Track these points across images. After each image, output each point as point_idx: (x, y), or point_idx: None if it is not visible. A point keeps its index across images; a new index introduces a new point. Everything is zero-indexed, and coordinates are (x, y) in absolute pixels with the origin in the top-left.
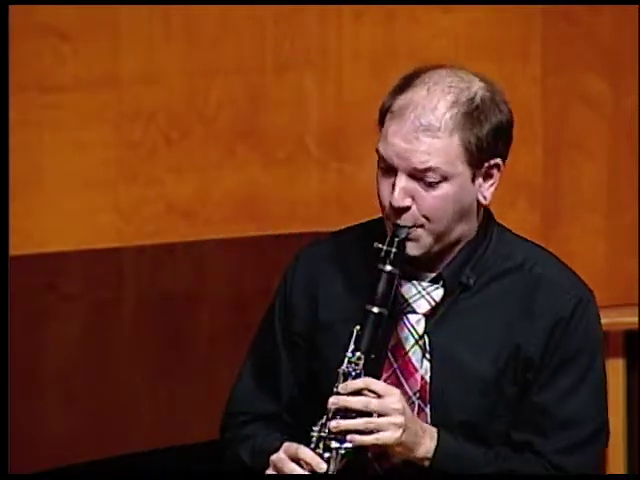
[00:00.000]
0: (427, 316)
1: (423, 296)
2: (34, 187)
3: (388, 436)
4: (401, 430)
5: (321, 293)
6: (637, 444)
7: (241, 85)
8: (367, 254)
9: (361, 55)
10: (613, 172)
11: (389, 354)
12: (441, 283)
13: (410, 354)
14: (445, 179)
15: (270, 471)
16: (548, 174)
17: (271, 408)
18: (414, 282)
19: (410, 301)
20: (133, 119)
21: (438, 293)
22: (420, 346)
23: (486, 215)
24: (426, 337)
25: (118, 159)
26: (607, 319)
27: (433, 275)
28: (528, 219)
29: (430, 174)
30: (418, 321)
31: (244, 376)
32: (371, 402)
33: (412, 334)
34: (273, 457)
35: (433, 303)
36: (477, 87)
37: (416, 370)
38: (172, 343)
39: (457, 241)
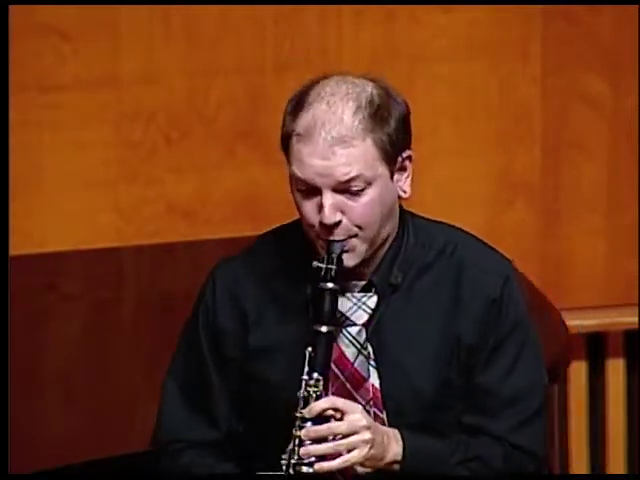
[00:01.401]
0: (366, 325)
1: (360, 307)
2: (34, 187)
3: (356, 455)
4: (369, 446)
5: (249, 315)
6: (637, 444)
7: (241, 85)
8: (289, 272)
9: (361, 55)
10: (613, 172)
11: (334, 367)
12: (373, 290)
13: (356, 365)
14: (369, 184)
15: None
16: (548, 174)
17: (208, 435)
18: (347, 295)
19: (347, 315)
20: (133, 119)
21: (373, 300)
22: (364, 355)
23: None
24: (369, 345)
25: (118, 159)
26: (607, 319)
27: (363, 283)
28: (527, 219)
29: (354, 183)
30: (359, 332)
31: (172, 402)
32: (339, 426)
33: (354, 345)
34: None
35: (370, 312)
36: (370, 87)
37: (365, 379)
38: (172, 343)
39: (383, 242)
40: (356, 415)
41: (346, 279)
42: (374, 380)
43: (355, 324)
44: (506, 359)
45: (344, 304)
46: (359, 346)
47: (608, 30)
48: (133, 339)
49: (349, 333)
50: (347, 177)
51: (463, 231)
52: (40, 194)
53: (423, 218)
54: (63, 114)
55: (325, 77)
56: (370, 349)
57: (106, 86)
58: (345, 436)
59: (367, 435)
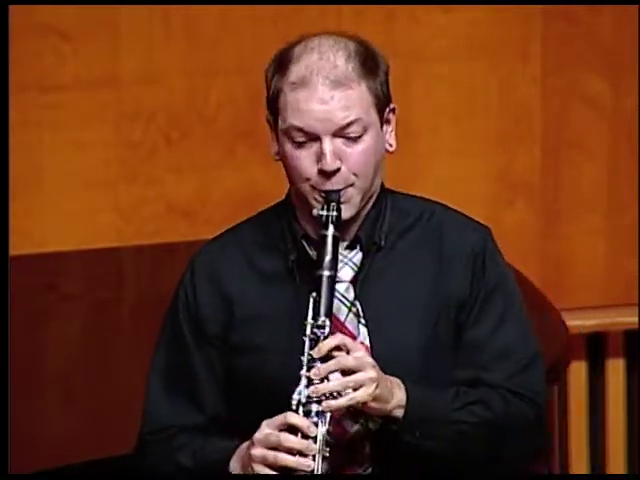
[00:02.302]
0: (353, 282)
1: (346, 263)
2: (34, 187)
3: (363, 393)
4: (375, 384)
5: (231, 292)
6: (637, 444)
7: (241, 85)
8: (268, 245)
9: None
10: (613, 172)
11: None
12: (359, 247)
13: (346, 323)
14: (365, 130)
15: (255, 452)
16: (547, 174)
17: (196, 419)
18: None
19: None
20: (133, 119)
21: (358, 257)
22: (354, 313)
23: None
24: (357, 303)
25: (118, 159)
26: (607, 319)
27: (348, 241)
28: (527, 219)
29: (353, 128)
30: (347, 289)
31: (156, 393)
32: (347, 360)
33: (344, 303)
34: (257, 436)
35: (356, 268)
36: (353, 41)
37: (355, 338)
38: None
39: (369, 198)
40: (362, 353)
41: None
42: (364, 338)
43: (342, 280)
44: (495, 312)
45: None
46: (349, 304)
47: (608, 30)
48: (133, 339)
49: (337, 291)
50: (347, 120)
51: (438, 202)
52: (40, 194)
53: (398, 192)
54: (63, 114)
55: (303, 37)
56: (359, 306)
57: (106, 86)
58: (351, 374)
59: (373, 373)
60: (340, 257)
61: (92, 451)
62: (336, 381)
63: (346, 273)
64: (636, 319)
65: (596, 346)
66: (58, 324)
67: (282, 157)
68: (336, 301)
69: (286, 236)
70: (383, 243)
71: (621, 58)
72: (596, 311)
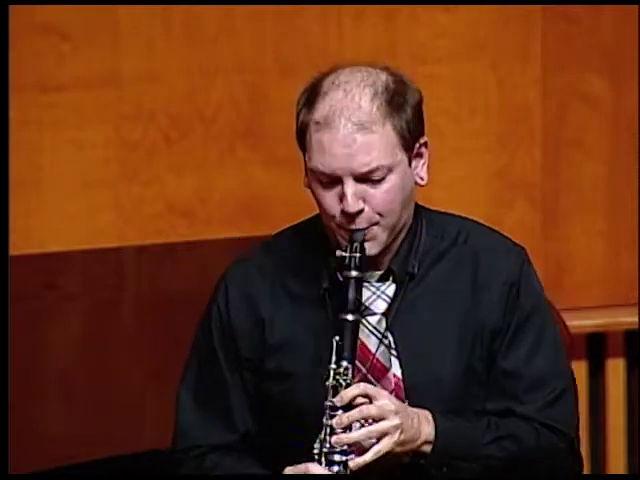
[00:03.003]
0: (385, 314)
1: (379, 296)
2: (34, 187)
3: (387, 442)
4: (399, 431)
5: (264, 315)
6: (637, 444)
7: (241, 85)
8: (303, 267)
9: (361, 55)
10: (613, 172)
11: (356, 360)
12: (391, 278)
13: (377, 355)
14: (390, 171)
15: None
16: (548, 174)
17: (227, 439)
18: (365, 284)
19: (367, 304)
20: (133, 119)
21: (391, 289)
22: (385, 345)
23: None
24: (389, 335)
25: (118, 159)
26: (607, 319)
27: (380, 272)
28: (527, 219)
29: (375, 173)
30: (379, 321)
31: (188, 409)
32: (370, 410)
33: (375, 335)
34: None
35: (389, 300)
36: (384, 76)
37: (387, 369)
38: (172, 343)
39: (401, 231)
40: (385, 400)
41: (371, 265)
42: (396, 370)
43: (375, 313)
44: (528, 341)
45: (364, 293)
46: (380, 336)
47: (608, 30)
48: (133, 339)
49: (369, 323)
50: (368, 168)
51: (474, 221)
52: (40, 194)
53: (434, 211)
54: (63, 114)
55: (337, 67)
56: (391, 338)
57: (106, 86)
58: (375, 422)
59: (396, 420)
60: (372, 289)
61: (92, 451)
62: (359, 431)
63: (379, 306)
64: (636, 319)
65: (596, 346)
66: (58, 324)
67: (310, 189)
68: (367, 332)
69: (319, 262)
70: (416, 271)
71: (621, 58)
72: (596, 311)
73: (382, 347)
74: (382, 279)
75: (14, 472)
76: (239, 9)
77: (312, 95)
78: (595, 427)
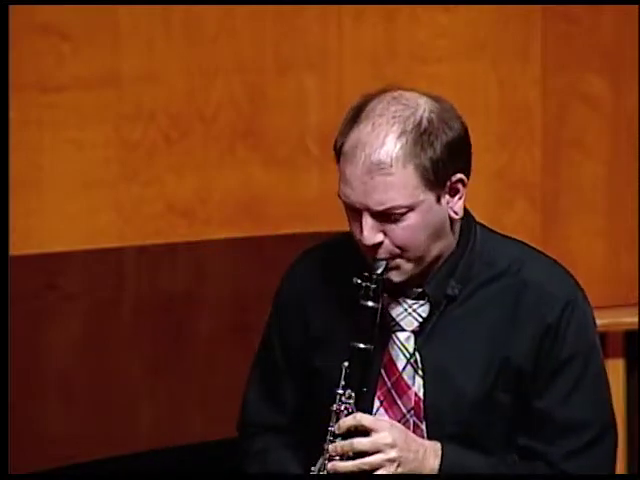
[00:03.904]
0: (416, 333)
1: (410, 314)
2: (34, 187)
3: (383, 474)
4: (395, 464)
5: (309, 311)
6: (637, 444)
7: (241, 85)
8: (349, 272)
9: (361, 55)
10: (613, 172)
11: (382, 373)
12: (426, 299)
13: (403, 373)
14: (410, 210)
15: None
16: (548, 174)
17: (278, 420)
18: (400, 300)
19: (397, 319)
20: (133, 119)
21: (424, 309)
22: (412, 364)
23: (465, 222)
24: (417, 354)
25: (118, 159)
26: (607, 319)
27: (419, 290)
28: (527, 219)
29: (392, 211)
30: (407, 338)
31: (252, 386)
32: (361, 443)
33: (402, 352)
34: None
35: (420, 319)
36: (422, 110)
37: (409, 387)
38: (172, 343)
39: (437, 258)
40: (383, 433)
41: (403, 285)
42: (417, 389)
43: (404, 330)
44: (564, 386)
45: (396, 309)
46: (408, 354)
47: (608, 30)
48: (133, 339)
49: (398, 339)
50: (382, 207)
51: (535, 250)
52: (40, 194)
53: (496, 233)
54: (63, 114)
55: (385, 90)
56: (418, 357)
57: (106, 86)
58: (371, 454)
59: (392, 454)
60: (405, 306)
61: (92, 450)
62: (353, 462)
63: (409, 323)
64: (636, 319)
65: None
66: (58, 324)
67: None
68: (396, 349)
69: (357, 268)
70: (457, 292)
71: (621, 58)
72: (596, 311)
73: (409, 366)
74: (418, 297)
75: (14, 472)
76: (239, 9)
77: (352, 117)
78: None
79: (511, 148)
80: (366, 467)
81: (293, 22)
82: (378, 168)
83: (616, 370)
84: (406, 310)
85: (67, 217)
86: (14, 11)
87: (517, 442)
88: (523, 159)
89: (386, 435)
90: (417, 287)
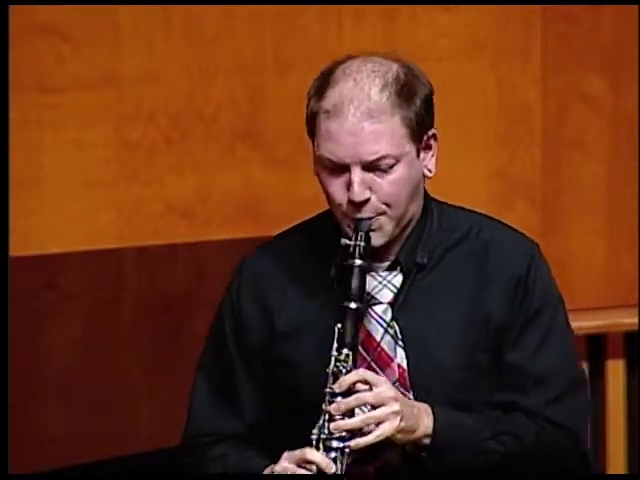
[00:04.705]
0: (392, 304)
1: (385, 285)
2: (34, 187)
3: (388, 428)
4: (399, 417)
5: (274, 303)
6: (637, 445)
7: (241, 85)
8: (313, 256)
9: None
10: (613, 172)
11: (360, 349)
12: (399, 269)
13: (383, 344)
14: (397, 161)
15: None
16: (548, 174)
17: (236, 428)
18: (372, 274)
19: (373, 293)
20: (133, 119)
21: (398, 279)
22: (391, 334)
23: (424, 193)
24: (395, 324)
25: (118, 159)
26: (607, 320)
27: (388, 263)
28: (528, 220)
29: (382, 162)
30: (385, 310)
31: (200, 396)
32: (366, 397)
33: (381, 324)
34: (277, 468)
35: (395, 290)
36: (396, 66)
37: (391, 359)
38: (172, 343)
39: (409, 222)
40: (383, 387)
41: (371, 259)
42: (401, 360)
43: (381, 302)
44: (535, 336)
45: (370, 283)
46: (385, 325)
47: (608, 30)
48: (133, 339)
49: (375, 312)
50: (375, 156)
51: (488, 216)
52: (40, 194)
53: (447, 204)
54: (63, 114)
55: (350, 57)
56: (397, 328)
57: (106, 86)
58: (373, 409)
59: (395, 407)
60: (379, 279)
61: (92, 450)
62: (357, 417)
63: (385, 295)
64: (636, 320)
65: (596, 347)
66: (58, 324)
67: (318, 177)
68: (373, 322)
69: (329, 251)
70: (425, 262)
71: (621, 58)
72: (596, 312)
73: (387, 337)
74: (389, 269)
75: (14, 472)
76: (239, 9)
77: (323, 84)
78: (595, 428)
79: (511, 148)
80: (372, 421)
81: (293, 22)
82: (369, 117)
83: (616, 371)
84: (381, 282)
85: (67, 217)
86: (14, 11)
87: (496, 398)
88: (523, 159)
89: (388, 389)
90: (383, 261)
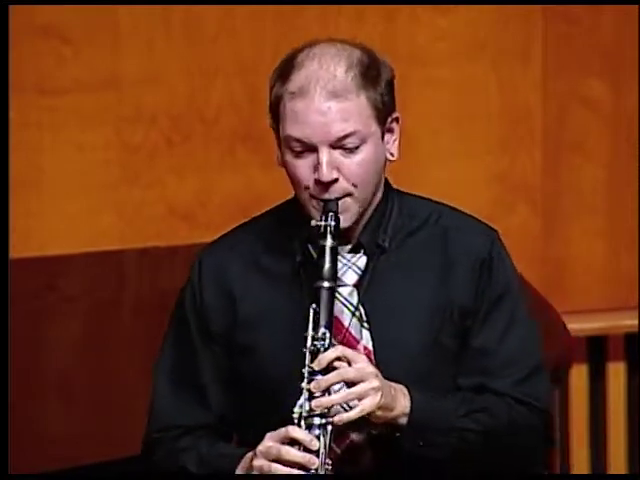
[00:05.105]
0: (357, 286)
1: (350, 267)
2: (35, 189)
3: (369, 403)
4: (380, 393)
5: (235, 291)
6: (638, 447)
7: (242, 87)
8: (276, 243)
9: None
10: (614, 174)
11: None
12: (362, 251)
13: (350, 328)
14: (363, 141)
15: (256, 463)
16: (548, 176)
17: (203, 419)
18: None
19: (338, 275)
20: (134, 121)
21: (362, 261)
22: (357, 317)
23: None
24: (361, 307)
25: (119, 161)
26: (608, 322)
27: (350, 246)
28: (528, 222)
29: (350, 139)
30: (350, 293)
31: (163, 391)
32: (348, 373)
33: (347, 307)
34: (260, 448)
35: (360, 272)
36: (358, 50)
37: (357, 341)
38: None
39: (369, 204)
40: (363, 364)
41: (341, 238)
42: (367, 342)
43: (346, 284)
44: (502, 318)
45: None
46: (352, 308)
47: (609, 32)
48: (133, 341)
49: (340, 294)
50: (343, 133)
51: (447, 205)
52: (40, 196)
53: (407, 193)
54: (64, 116)
55: (309, 43)
56: (362, 311)
57: (107, 88)
58: (352, 386)
59: (376, 383)
60: (344, 261)
61: (92, 451)
62: (338, 393)
63: (350, 277)
64: (637, 322)
65: (597, 349)
66: (58, 326)
67: (283, 164)
68: (339, 305)
69: (293, 237)
70: (387, 245)
71: (622, 60)
72: (597, 314)
73: (354, 319)
74: (353, 251)
75: (14, 472)
76: (239, 10)
77: (287, 68)
78: (596, 430)
79: (512, 151)
80: (353, 397)
81: (293, 23)
82: (335, 96)
83: (617, 373)
84: (345, 265)
85: (68, 219)
86: (14, 13)
87: (462, 382)
88: (524, 161)
89: (367, 365)
90: (346, 244)
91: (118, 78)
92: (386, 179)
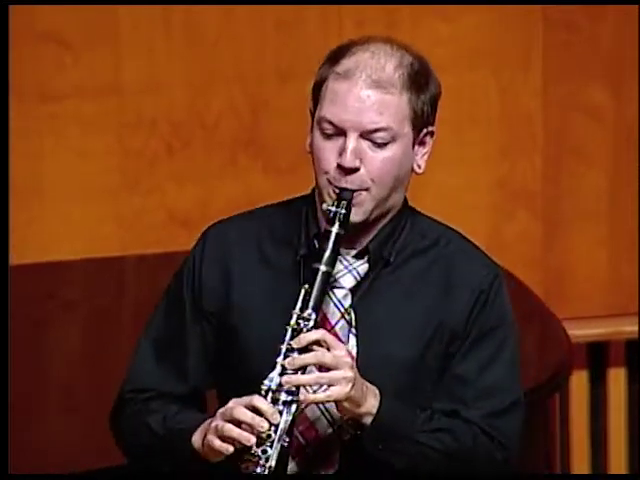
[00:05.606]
0: (353, 291)
1: (350, 271)
2: (35, 195)
3: (338, 391)
4: (351, 384)
5: (234, 274)
6: (638, 452)
7: (242, 93)
8: (282, 235)
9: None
10: (614, 181)
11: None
12: (366, 258)
13: (337, 328)
14: (394, 139)
15: (213, 423)
16: (549, 183)
17: (176, 388)
18: (340, 258)
19: (337, 276)
20: (134, 128)
21: (363, 268)
22: (347, 320)
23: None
24: (352, 311)
25: (119, 168)
26: (608, 328)
27: (357, 250)
28: (529, 228)
29: (380, 134)
30: (345, 296)
31: (145, 355)
32: (325, 357)
33: (339, 308)
34: (220, 410)
35: (359, 278)
36: (413, 55)
37: (342, 344)
38: None
39: (386, 212)
40: (342, 352)
41: (342, 244)
42: (352, 347)
43: (342, 287)
44: (486, 352)
45: (336, 266)
46: (343, 310)
47: (609, 38)
48: (133, 347)
49: (335, 296)
50: (375, 126)
51: (457, 231)
52: (41, 203)
53: (422, 214)
54: (64, 123)
55: (369, 37)
56: (353, 315)
57: (107, 95)
58: (325, 372)
59: (349, 373)
60: (346, 264)
61: (92, 459)
62: (310, 375)
63: (348, 280)
64: (637, 328)
65: (597, 355)
66: (59, 332)
67: (311, 147)
68: (331, 305)
69: (301, 230)
70: (392, 259)
71: (622, 67)
72: (597, 320)
73: (343, 322)
74: (357, 257)
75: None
76: (239, 16)
77: (339, 52)
78: (596, 437)
79: (512, 157)
80: (324, 381)
81: (294, 30)
82: (378, 86)
83: (617, 379)
84: (346, 267)
85: (68, 225)
86: (15, 19)
87: (436, 405)
88: (524, 168)
89: (345, 354)
90: (353, 248)
91: (119, 84)
92: (405, 197)
